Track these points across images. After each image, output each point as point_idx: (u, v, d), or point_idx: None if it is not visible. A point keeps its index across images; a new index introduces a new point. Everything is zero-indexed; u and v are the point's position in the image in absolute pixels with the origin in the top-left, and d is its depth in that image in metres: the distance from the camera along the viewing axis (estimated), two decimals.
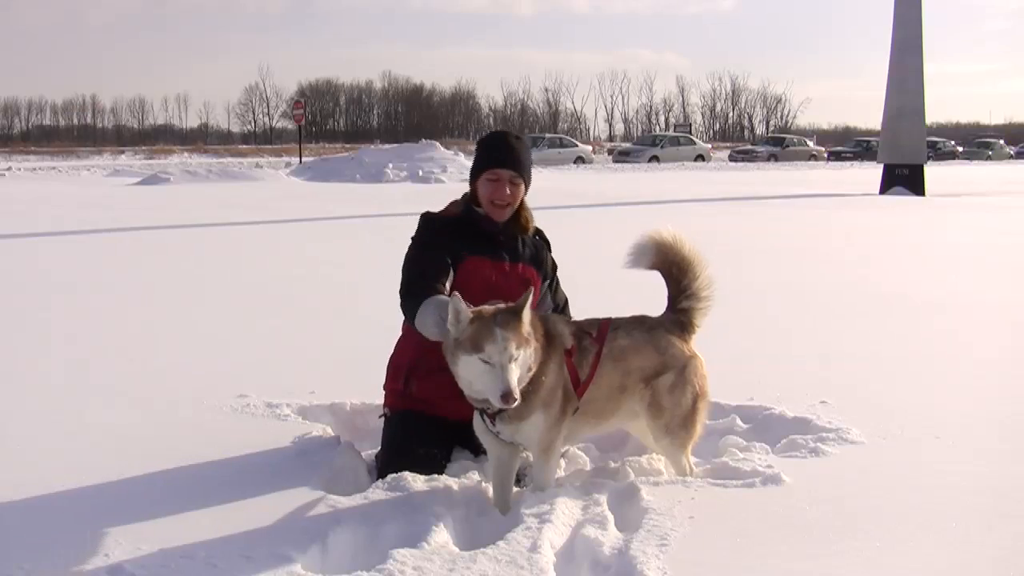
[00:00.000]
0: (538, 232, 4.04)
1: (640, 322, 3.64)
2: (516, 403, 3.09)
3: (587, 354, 3.44)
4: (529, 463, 3.57)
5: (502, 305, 3.23)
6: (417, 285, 3.55)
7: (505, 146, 3.83)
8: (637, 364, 3.52)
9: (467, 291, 3.46)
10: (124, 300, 7.66)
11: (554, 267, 4.06)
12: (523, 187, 3.86)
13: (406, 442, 3.76)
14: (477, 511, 3.35)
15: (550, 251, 4.06)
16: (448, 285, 3.60)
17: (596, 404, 3.47)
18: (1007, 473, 3.64)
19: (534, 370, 3.23)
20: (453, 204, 3.94)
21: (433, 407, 3.78)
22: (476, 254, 3.77)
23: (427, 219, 3.90)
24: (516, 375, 3.10)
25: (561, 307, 4.05)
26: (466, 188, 3.98)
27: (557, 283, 4.08)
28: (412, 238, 3.86)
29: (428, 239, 3.79)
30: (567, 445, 3.77)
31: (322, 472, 3.61)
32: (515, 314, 3.16)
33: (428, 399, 3.78)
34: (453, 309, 3.15)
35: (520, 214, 3.91)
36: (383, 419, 3.97)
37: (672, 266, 3.71)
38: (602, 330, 3.51)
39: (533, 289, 3.36)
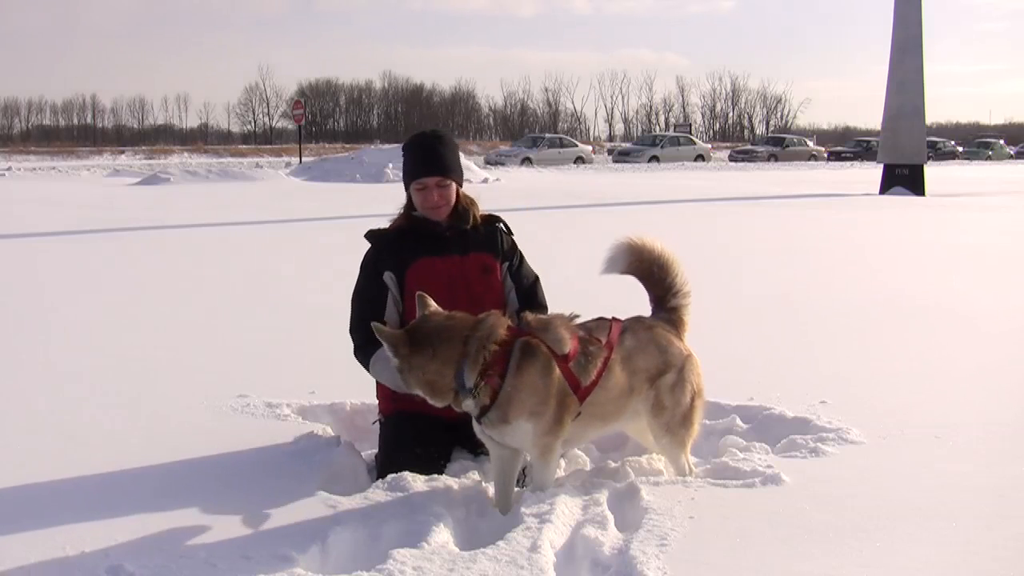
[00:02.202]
0: (495, 219, 4.04)
1: (640, 322, 3.65)
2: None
3: (593, 359, 3.41)
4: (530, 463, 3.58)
5: (438, 318, 3.36)
6: (363, 333, 3.70)
7: (425, 152, 3.88)
8: (643, 365, 3.53)
9: (426, 291, 3.49)
10: (124, 300, 7.65)
11: (512, 247, 4.05)
12: (453, 185, 3.90)
13: (402, 443, 3.77)
14: (477, 511, 3.35)
15: (510, 233, 4.06)
16: (392, 306, 3.81)
17: (606, 407, 3.47)
18: (1007, 473, 3.64)
19: (416, 386, 3.34)
20: (398, 216, 4.00)
21: (425, 405, 3.78)
22: (423, 255, 3.82)
23: (373, 237, 3.97)
24: (395, 376, 3.38)
25: (529, 285, 4.02)
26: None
27: (520, 261, 4.05)
28: (361, 264, 3.94)
29: (371, 266, 3.90)
30: (574, 447, 3.76)
31: (322, 472, 3.62)
32: (405, 332, 3.31)
33: (418, 398, 3.79)
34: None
35: (461, 208, 3.94)
36: (378, 424, 3.97)
37: (652, 266, 3.74)
38: (612, 336, 3.49)
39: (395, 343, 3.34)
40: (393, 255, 3.86)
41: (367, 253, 3.96)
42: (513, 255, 4.03)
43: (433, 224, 3.90)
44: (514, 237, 4.08)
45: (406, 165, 3.93)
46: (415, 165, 3.89)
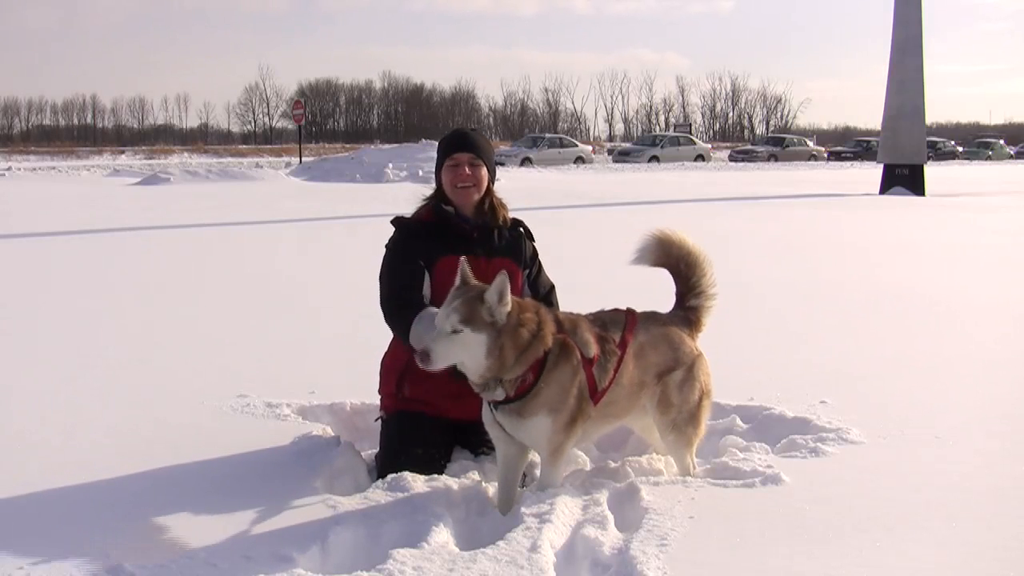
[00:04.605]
0: (519, 224, 4.06)
1: (653, 318, 3.66)
2: (431, 368, 3.16)
3: (610, 358, 3.42)
4: (534, 464, 3.58)
5: (486, 286, 3.26)
6: (399, 300, 3.71)
7: (460, 135, 3.97)
8: (653, 360, 3.55)
9: (446, 291, 3.50)
10: (124, 300, 7.66)
11: (534, 255, 4.06)
12: (484, 169, 3.91)
13: (404, 443, 3.77)
14: (477, 511, 3.36)
15: (532, 240, 4.08)
16: (427, 286, 3.76)
17: (618, 404, 3.49)
18: (1007, 473, 3.64)
19: (494, 360, 3.21)
20: (423, 207, 3.99)
21: (430, 406, 3.79)
22: (450, 254, 3.79)
23: (400, 224, 3.95)
24: (450, 346, 3.18)
25: (545, 294, 4.04)
26: None
27: (539, 270, 4.08)
28: (387, 246, 3.93)
29: (402, 247, 3.87)
30: (584, 443, 3.77)
31: (322, 472, 3.62)
32: (479, 295, 3.22)
33: (423, 399, 3.79)
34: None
35: (490, 204, 3.94)
36: (380, 422, 3.97)
37: (680, 262, 3.76)
38: (626, 335, 3.49)
39: (507, 278, 3.28)
40: (421, 247, 3.84)
41: (395, 236, 3.93)
42: (534, 263, 4.05)
43: (461, 221, 3.89)
44: (535, 244, 4.09)
45: (439, 151, 3.96)
46: (448, 145, 3.93)
